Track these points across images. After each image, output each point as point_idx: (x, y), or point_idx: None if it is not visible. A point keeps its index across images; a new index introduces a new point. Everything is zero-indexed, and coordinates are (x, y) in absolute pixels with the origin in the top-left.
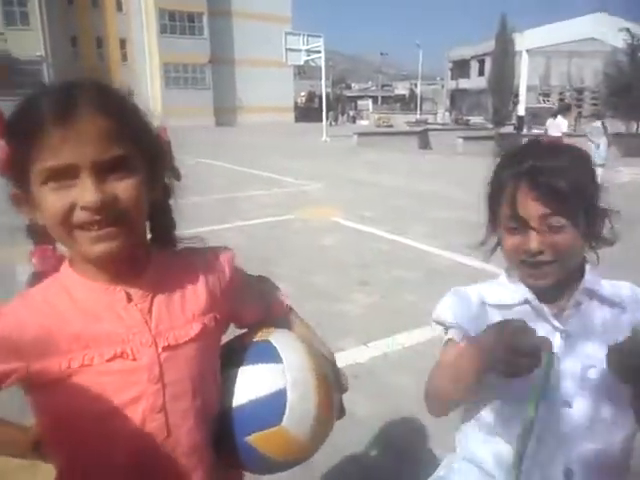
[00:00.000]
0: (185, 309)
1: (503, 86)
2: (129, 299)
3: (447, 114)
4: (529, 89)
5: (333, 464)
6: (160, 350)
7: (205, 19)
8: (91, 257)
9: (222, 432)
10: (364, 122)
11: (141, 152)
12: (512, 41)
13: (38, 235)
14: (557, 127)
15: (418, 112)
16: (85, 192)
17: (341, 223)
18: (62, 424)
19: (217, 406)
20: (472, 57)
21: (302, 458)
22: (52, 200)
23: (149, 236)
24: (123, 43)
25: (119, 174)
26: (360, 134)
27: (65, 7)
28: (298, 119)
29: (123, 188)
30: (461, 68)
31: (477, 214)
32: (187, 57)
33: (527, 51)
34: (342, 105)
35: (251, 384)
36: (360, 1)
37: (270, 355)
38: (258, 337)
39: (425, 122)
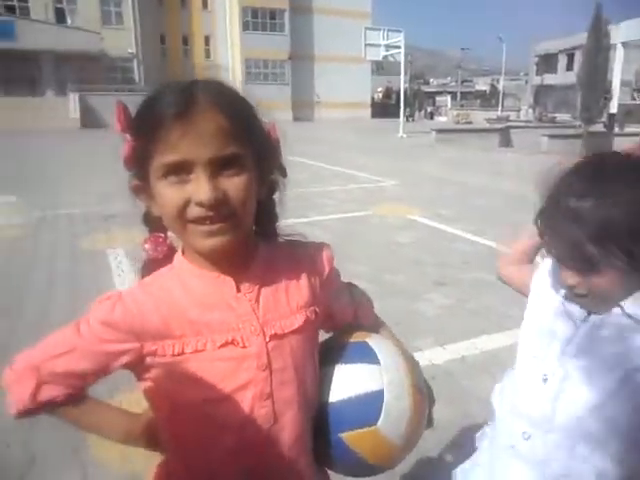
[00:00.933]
0: (289, 300)
1: (595, 81)
2: (238, 289)
3: (530, 111)
4: (623, 85)
5: (408, 467)
6: (267, 339)
7: (287, 16)
8: (202, 250)
9: (317, 427)
10: (442, 118)
11: (253, 150)
12: (607, 33)
13: (152, 224)
14: None
15: (499, 108)
16: (200, 189)
17: (418, 221)
18: (174, 408)
19: (316, 400)
20: (560, 51)
21: (390, 463)
22: (169, 194)
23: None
24: (207, 40)
25: (232, 171)
26: (438, 131)
27: (155, 7)
28: (374, 115)
29: (235, 185)
30: (547, 63)
31: None
32: (268, 53)
33: (623, 44)
34: (420, 101)
35: (349, 382)
36: None
37: (368, 356)
38: (354, 338)
39: (507, 119)
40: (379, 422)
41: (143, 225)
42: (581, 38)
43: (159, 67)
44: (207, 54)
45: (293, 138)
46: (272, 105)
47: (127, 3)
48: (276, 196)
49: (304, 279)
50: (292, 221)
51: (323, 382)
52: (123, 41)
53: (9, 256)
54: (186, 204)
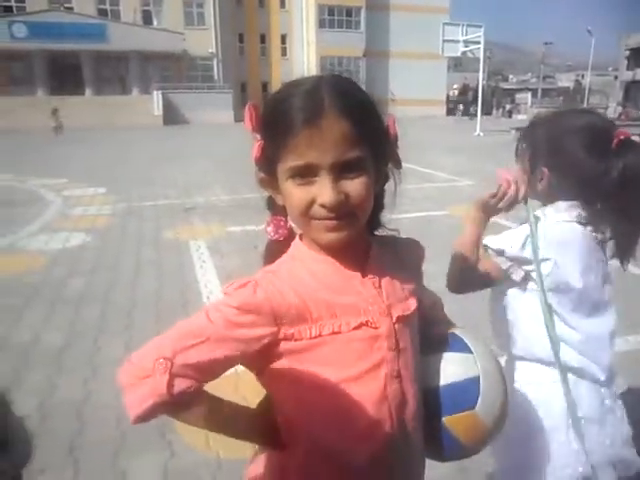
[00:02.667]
0: (403, 287)
1: None
2: (363, 275)
3: (620, 108)
4: None
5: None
6: (394, 320)
7: (363, 13)
8: (323, 243)
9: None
10: (521, 116)
11: (374, 150)
12: None
13: (274, 208)
14: None
15: (585, 106)
16: (323, 191)
17: (495, 222)
18: (305, 394)
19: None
20: None
21: (482, 446)
22: (296, 194)
23: None
24: (284, 38)
25: (354, 174)
26: (518, 129)
27: (235, 7)
28: (449, 112)
29: (356, 187)
30: None
31: None
32: (343, 50)
33: None
34: (497, 98)
35: (449, 369)
36: None
37: (461, 346)
38: (441, 330)
39: None
40: (477, 406)
41: (267, 209)
42: None
43: (237, 65)
44: (283, 52)
45: None
46: None
47: (209, 4)
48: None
49: (407, 269)
50: None
51: (422, 370)
52: (204, 41)
53: (100, 245)
54: (311, 204)
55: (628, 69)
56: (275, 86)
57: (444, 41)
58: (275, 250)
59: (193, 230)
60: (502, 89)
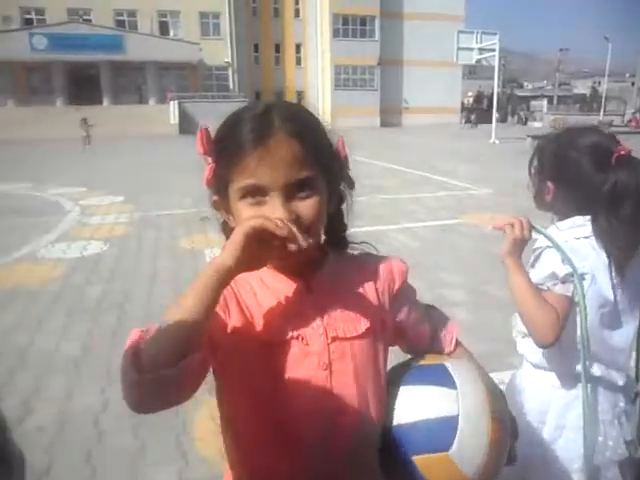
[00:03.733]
0: (355, 307)
1: None
2: (308, 291)
3: (638, 115)
4: None
5: None
6: (329, 340)
7: (377, 22)
8: (276, 263)
9: (388, 448)
10: (537, 124)
11: (324, 170)
12: None
13: (229, 233)
14: None
15: (601, 113)
16: (275, 211)
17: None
18: (242, 393)
19: (381, 416)
20: None
21: None
22: (247, 214)
23: (324, 238)
24: (298, 47)
25: (304, 193)
26: (534, 137)
27: (250, 17)
28: (469, 120)
29: (307, 206)
30: None
31: None
32: (357, 59)
33: None
34: (512, 105)
35: (422, 404)
36: None
37: (443, 378)
38: (431, 360)
39: (609, 124)
40: (451, 449)
41: (222, 233)
42: None
43: (252, 74)
44: (298, 61)
45: (381, 144)
46: (360, 111)
47: (225, 15)
48: (344, 206)
49: (371, 289)
50: (382, 227)
51: (395, 402)
52: (220, 51)
53: (117, 253)
54: None
55: None
56: (290, 95)
57: (459, 49)
58: None
59: (208, 239)
60: (517, 96)
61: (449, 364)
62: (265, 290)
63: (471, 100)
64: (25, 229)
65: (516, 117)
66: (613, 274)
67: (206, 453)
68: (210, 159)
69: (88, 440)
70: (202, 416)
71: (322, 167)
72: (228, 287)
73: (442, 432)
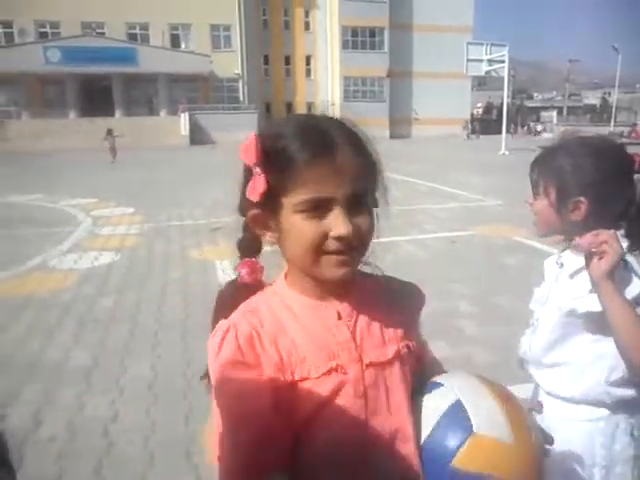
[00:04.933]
0: (383, 331)
1: None
2: (339, 317)
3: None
4: None
5: None
6: (364, 367)
7: (386, 33)
8: (331, 279)
9: (426, 471)
10: (548, 135)
11: (375, 185)
12: None
13: (247, 250)
14: None
15: (612, 124)
16: (339, 224)
17: (524, 243)
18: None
19: (412, 436)
20: None
21: (519, 468)
22: (307, 228)
23: None
24: (308, 59)
25: (361, 207)
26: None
27: (260, 29)
28: (478, 131)
29: (363, 221)
30: None
31: None
32: (366, 71)
33: None
34: (522, 116)
35: (428, 407)
36: (547, 5)
37: (435, 385)
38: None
39: (620, 135)
40: (474, 427)
41: (238, 250)
42: None
43: (262, 86)
44: (308, 73)
45: (392, 155)
46: (369, 122)
47: (235, 28)
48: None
49: (397, 313)
50: (393, 239)
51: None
52: (230, 63)
53: (128, 264)
54: (324, 237)
55: None
56: (299, 107)
57: (468, 60)
58: (242, 294)
59: (219, 250)
60: (527, 107)
61: (441, 378)
62: (295, 321)
63: (480, 111)
64: (39, 239)
65: (526, 128)
66: None
67: (217, 464)
68: (259, 170)
69: (98, 451)
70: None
71: (374, 182)
72: (250, 333)
73: (457, 420)
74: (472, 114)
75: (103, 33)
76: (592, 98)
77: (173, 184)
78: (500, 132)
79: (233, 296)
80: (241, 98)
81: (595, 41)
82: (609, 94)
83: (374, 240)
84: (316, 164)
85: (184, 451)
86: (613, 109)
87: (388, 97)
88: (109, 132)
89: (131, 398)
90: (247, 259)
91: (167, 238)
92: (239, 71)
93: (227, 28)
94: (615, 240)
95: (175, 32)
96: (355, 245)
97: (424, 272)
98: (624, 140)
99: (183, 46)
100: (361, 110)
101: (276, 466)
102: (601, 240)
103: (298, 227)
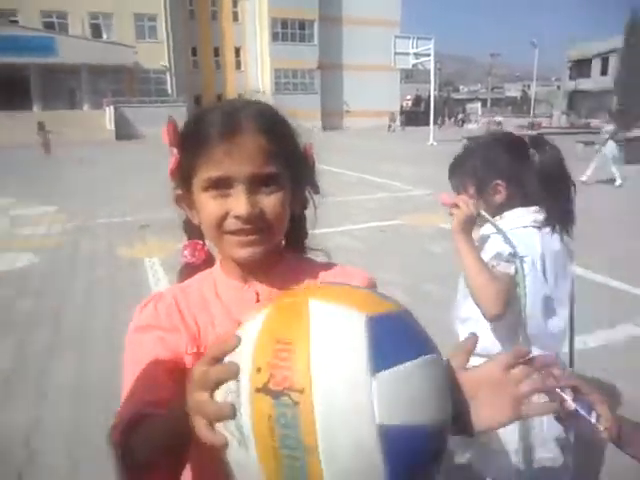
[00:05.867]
0: None
1: (632, 85)
2: (258, 299)
3: (564, 117)
4: None
5: None
6: None
7: (316, 26)
8: (236, 259)
9: None
10: (472, 126)
11: (290, 169)
12: None
13: (191, 231)
14: None
15: (531, 115)
16: (238, 203)
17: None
18: None
19: None
20: (594, 55)
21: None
22: (210, 206)
23: (283, 242)
24: (238, 51)
25: (269, 189)
26: (469, 138)
27: (187, 20)
28: (404, 123)
29: (270, 202)
30: (581, 67)
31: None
32: (297, 63)
33: None
34: (449, 108)
35: None
36: (472, 1)
37: None
38: None
39: (539, 126)
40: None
41: (183, 232)
42: (615, 42)
43: (191, 78)
44: (238, 65)
45: (323, 147)
46: (301, 114)
47: (160, 17)
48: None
49: None
50: (324, 230)
51: None
52: (156, 54)
53: (50, 265)
54: (225, 216)
55: (570, 79)
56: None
57: (396, 54)
58: (190, 274)
59: (148, 248)
60: (453, 99)
61: None
62: (219, 303)
63: (410, 103)
64: None
65: (453, 119)
66: (552, 262)
67: None
68: (176, 151)
69: (19, 460)
70: None
71: (288, 166)
72: (173, 302)
73: None
74: (402, 106)
75: (16, 21)
76: (513, 91)
77: (98, 180)
78: (428, 124)
79: (182, 275)
80: (169, 91)
81: (515, 36)
82: (528, 87)
83: (310, 231)
84: (218, 143)
85: (111, 460)
86: (532, 101)
87: (319, 89)
88: (41, 126)
89: (54, 405)
90: (191, 240)
91: (93, 237)
92: (166, 63)
93: (152, 18)
94: (466, 203)
95: (95, 21)
96: (261, 226)
97: (356, 262)
98: (545, 131)
99: (105, 36)
100: (293, 102)
101: (152, 404)
102: (455, 202)
103: (204, 206)
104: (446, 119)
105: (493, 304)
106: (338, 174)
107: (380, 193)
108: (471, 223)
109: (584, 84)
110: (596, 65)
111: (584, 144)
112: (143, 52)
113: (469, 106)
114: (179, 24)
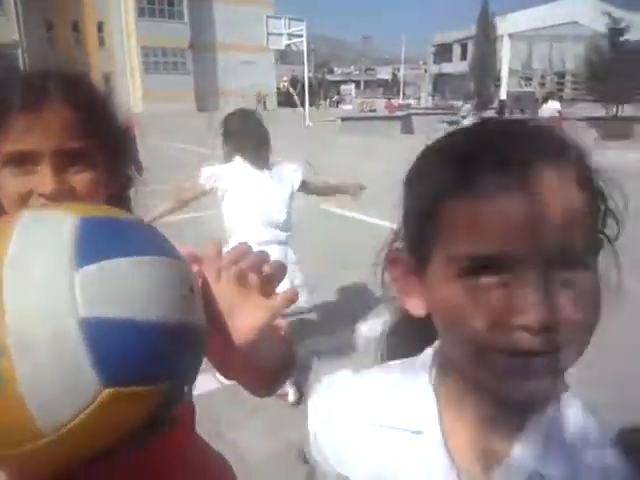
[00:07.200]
0: None
1: (485, 70)
2: None
3: (430, 98)
4: (511, 73)
5: None
6: None
7: (185, 3)
8: None
9: None
10: (347, 107)
11: (104, 146)
12: (493, 25)
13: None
14: (551, 110)
15: (401, 96)
16: (43, 181)
17: (333, 212)
18: None
19: None
20: (455, 41)
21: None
22: (11, 184)
23: None
24: (100, 26)
25: (79, 166)
26: (344, 119)
27: None
28: (281, 104)
29: (81, 181)
30: (444, 52)
31: None
32: (167, 41)
33: (509, 35)
34: (324, 90)
35: None
36: None
37: None
38: None
39: (408, 106)
40: None
41: None
42: (473, 29)
43: (47, 56)
44: (101, 41)
45: (197, 129)
46: (174, 95)
47: None
48: (132, 192)
49: None
50: (196, 214)
51: None
52: (5, 28)
53: None
54: (29, 195)
55: (435, 63)
56: (94, 77)
57: (269, 34)
58: None
59: None
60: (328, 81)
61: None
62: None
63: (287, 84)
64: None
65: (328, 100)
66: None
67: None
68: None
69: None
70: None
71: (102, 142)
72: None
73: None
74: (278, 87)
75: None
76: (384, 73)
77: None
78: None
79: None
80: (22, 68)
81: (386, 20)
82: (398, 70)
83: (179, 216)
84: (19, 114)
85: None
86: (401, 84)
87: (192, 70)
88: None
89: None
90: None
91: None
92: (16, 37)
93: None
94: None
95: None
96: None
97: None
98: (413, 111)
99: None
100: (164, 83)
101: None
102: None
103: (3, 182)
104: (322, 100)
105: None
106: (211, 156)
107: None
108: None
109: (446, 68)
110: (456, 50)
111: (448, 123)
112: None
113: (343, 87)
114: None
